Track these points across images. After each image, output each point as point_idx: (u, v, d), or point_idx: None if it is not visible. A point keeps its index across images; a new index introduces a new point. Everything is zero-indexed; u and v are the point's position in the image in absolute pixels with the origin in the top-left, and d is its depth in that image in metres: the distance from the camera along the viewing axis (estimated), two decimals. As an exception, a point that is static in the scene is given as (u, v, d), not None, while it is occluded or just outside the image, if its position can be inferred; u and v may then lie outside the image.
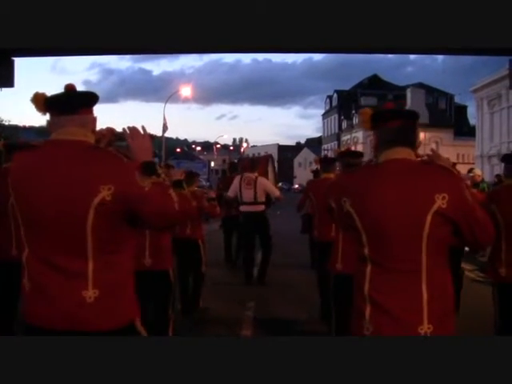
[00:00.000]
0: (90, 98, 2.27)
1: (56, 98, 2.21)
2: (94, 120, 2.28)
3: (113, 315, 2.13)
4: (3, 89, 8.46)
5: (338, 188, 2.43)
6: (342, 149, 6.15)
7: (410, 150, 2.26)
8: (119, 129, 2.47)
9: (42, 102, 2.23)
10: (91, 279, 2.08)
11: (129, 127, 2.38)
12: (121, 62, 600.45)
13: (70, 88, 2.23)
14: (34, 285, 2.13)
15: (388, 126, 2.27)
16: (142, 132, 2.37)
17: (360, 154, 4.86)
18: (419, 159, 2.35)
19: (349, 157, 4.66)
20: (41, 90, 2.24)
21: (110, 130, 2.49)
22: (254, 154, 74.18)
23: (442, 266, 2.20)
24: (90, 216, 2.05)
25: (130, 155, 2.28)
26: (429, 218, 2.09)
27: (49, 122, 2.24)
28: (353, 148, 38.54)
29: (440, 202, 2.09)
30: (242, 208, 8.56)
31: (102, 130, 2.43)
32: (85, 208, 2.05)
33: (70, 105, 2.19)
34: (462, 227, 2.16)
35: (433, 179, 2.15)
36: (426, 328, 2.09)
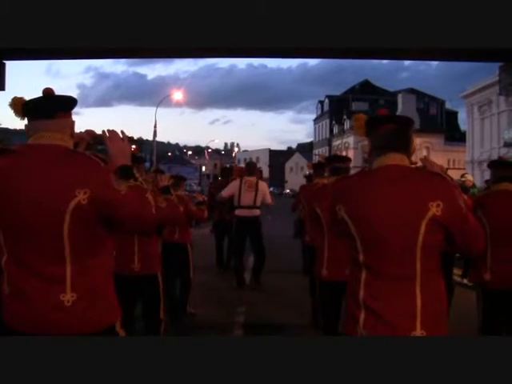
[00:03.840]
0: (67, 102, 2.26)
1: (33, 102, 2.20)
2: (72, 124, 2.27)
3: (91, 319, 2.13)
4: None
5: (332, 195, 2.41)
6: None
7: (403, 156, 2.25)
8: None
9: (20, 106, 2.21)
10: (69, 283, 2.08)
11: (108, 130, 2.37)
12: (116, 66, 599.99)
13: (47, 92, 2.22)
14: (12, 289, 2.12)
15: (382, 130, 2.27)
16: (120, 136, 2.37)
17: (347, 158, 4.82)
18: (413, 166, 2.34)
19: (336, 161, 4.61)
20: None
21: (90, 133, 2.46)
22: (245, 159, 74.09)
23: (436, 272, 2.21)
24: (67, 220, 2.05)
25: (108, 159, 2.26)
26: (423, 225, 2.09)
27: (27, 127, 2.22)
28: (344, 153, 38.62)
29: (434, 209, 2.09)
30: (239, 212, 8.36)
31: (81, 133, 2.41)
32: (61, 212, 2.04)
33: (48, 109, 2.18)
34: (455, 234, 2.17)
35: (427, 186, 2.15)
36: (419, 334, 2.09)
